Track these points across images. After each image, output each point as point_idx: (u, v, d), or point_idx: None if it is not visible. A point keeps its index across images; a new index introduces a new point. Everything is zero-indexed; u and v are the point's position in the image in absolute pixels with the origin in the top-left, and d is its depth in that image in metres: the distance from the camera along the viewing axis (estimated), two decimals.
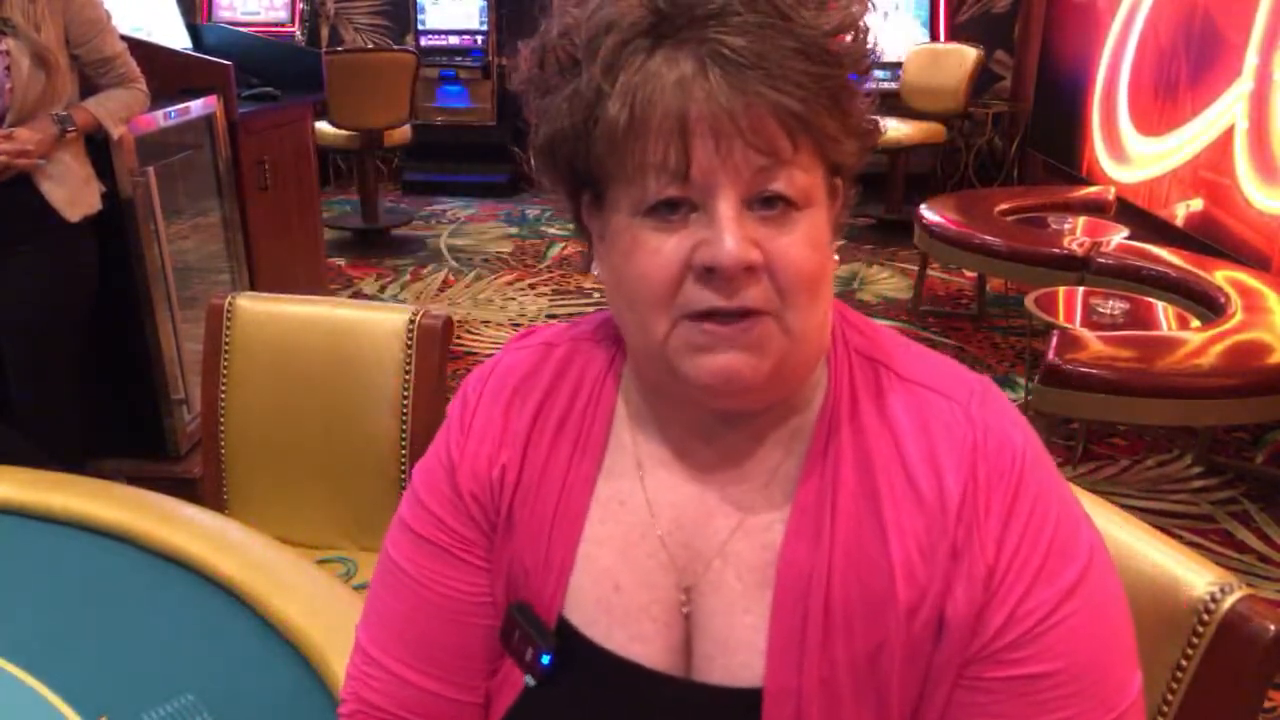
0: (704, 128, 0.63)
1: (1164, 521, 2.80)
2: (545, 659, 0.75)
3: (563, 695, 0.76)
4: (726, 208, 0.65)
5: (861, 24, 0.69)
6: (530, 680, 0.77)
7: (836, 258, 0.73)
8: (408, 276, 4.98)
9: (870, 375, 0.74)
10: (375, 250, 5.39)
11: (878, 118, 0.72)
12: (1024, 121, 6.09)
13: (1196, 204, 3.97)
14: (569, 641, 0.76)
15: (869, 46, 0.69)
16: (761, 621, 0.72)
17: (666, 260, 0.67)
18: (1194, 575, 0.89)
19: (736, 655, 0.72)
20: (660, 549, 0.76)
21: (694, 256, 0.66)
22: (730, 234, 0.64)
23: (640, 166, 0.66)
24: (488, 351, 3.98)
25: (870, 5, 0.70)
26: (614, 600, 0.76)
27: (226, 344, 1.68)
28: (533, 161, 0.74)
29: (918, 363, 0.75)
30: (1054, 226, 3.90)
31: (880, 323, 0.80)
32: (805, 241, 0.67)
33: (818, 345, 0.72)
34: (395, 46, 6.39)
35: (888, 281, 4.87)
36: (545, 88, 0.70)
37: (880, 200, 5.58)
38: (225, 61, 3.11)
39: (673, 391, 0.74)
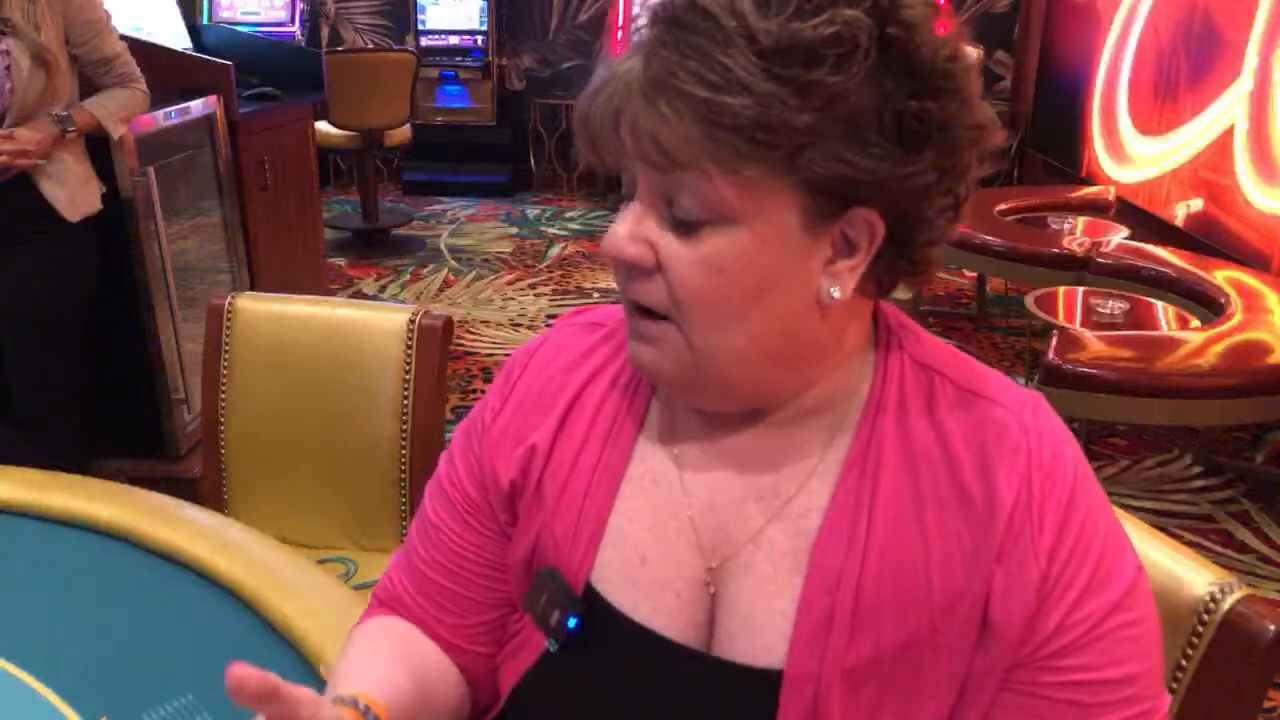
0: (605, 129, 0.67)
1: (1164, 521, 2.80)
2: (571, 622, 0.77)
3: (584, 661, 0.78)
4: (636, 203, 0.69)
5: (820, 50, 0.61)
6: (552, 645, 0.78)
7: (836, 292, 0.67)
8: (408, 276, 4.98)
9: (924, 381, 0.74)
10: (375, 250, 5.39)
11: (912, 156, 0.64)
12: (1024, 121, 6.09)
13: (1196, 204, 3.97)
14: (594, 607, 0.77)
15: (819, 77, 0.61)
16: (790, 607, 0.72)
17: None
18: (1194, 575, 0.89)
19: (760, 637, 0.73)
20: (690, 528, 0.77)
21: None
22: (621, 225, 0.69)
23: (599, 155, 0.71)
24: (488, 352, 3.98)
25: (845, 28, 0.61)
26: (640, 572, 0.77)
27: (226, 344, 1.68)
28: None
29: (972, 372, 0.76)
30: (1054, 226, 3.90)
31: (928, 331, 0.80)
32: (702, 260, 0.66)
33: (747, 366, 0.70)
34: (395, 46, 6.39)
35: None
36: None
37: None
38: (225, 61, 3.11)
39: None
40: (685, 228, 0.66)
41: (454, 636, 0.86)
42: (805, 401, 0.74)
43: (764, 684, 0.71)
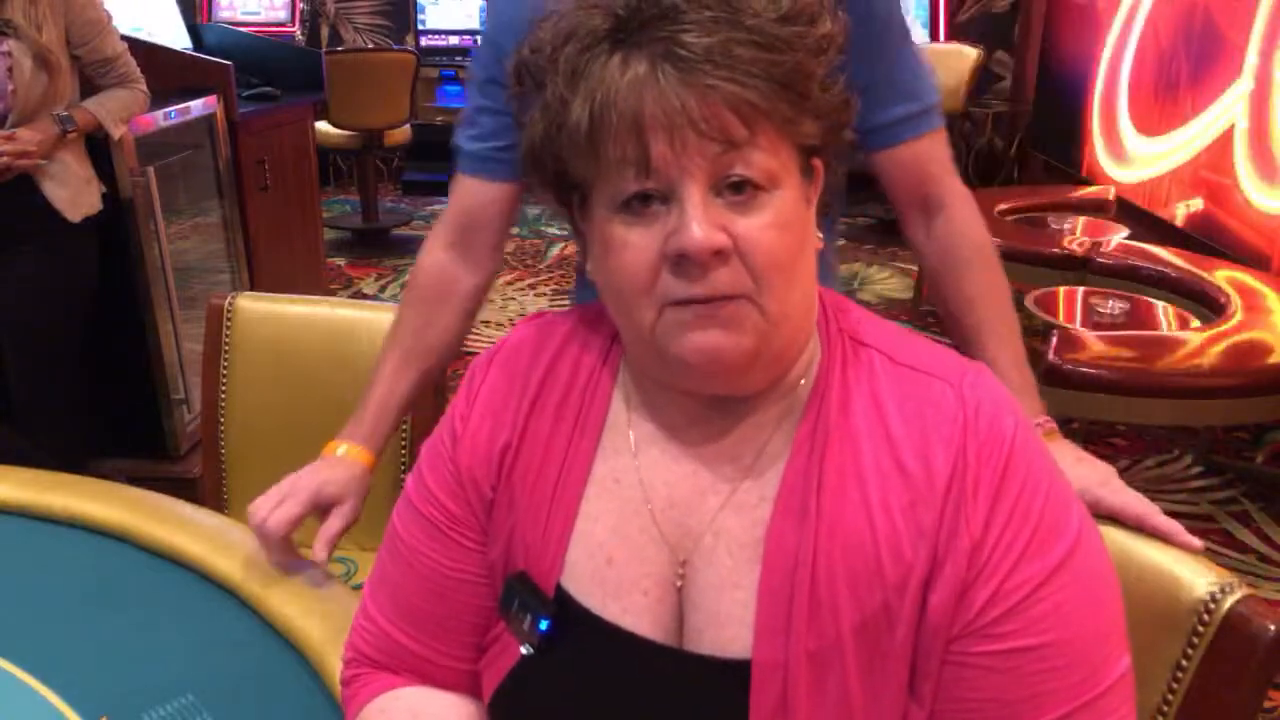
0: (658, 124, 0.67)
1: None
2: (544, 624, 0.77)
3: (558, 663, 0.78)
4: (692, 196, 0.68)
5: (816, 7, 0.71)
6: (527, 649, 0.78)
7: (820, 237, 0.75)
8: (408, 276, 4.97)
9: (863, 359, 0.76)
10: (375, 250, 5.39)
11: (848, 95, 0.74)
12: (1024, 121, 6.09)
13: (1196, 204, 3.96)
14: (566, 609, 0.78)
15: (824, 30, 0.71)
16: (750, 596, 0.73)
17: (641, 252, 0.70)
18: (1194, 575, 0.89)
19: (726, 629, 0.74)
20: (652, 525, 0.78)
21: (666, 246, 0.69)
22: (696, 220, 0.68)
23: (606, 166, 0.70)
24: None
25: None
26: (608, 573, 0.78)
27: (226, 344, 1.68)
28: (523, 170, 0.78)
29: (909, 347, 0.77)
30: (1054, 226, 3.89)
31: (869, 310, 0.82)
32: (774, 223, 0.70)
33: (800, 326, 0.74)
34: (395, 46, 6.39)
35: (888, 281, 4.87)
36: (525, 102, 0.75)
37: (880, 200, 5.56)
38: (225, 61, 3.11)
39: (664, 378, 0.76)
40: (742, 203, 0.69)
41: (457, 663, 0.85)
42: (777, 386, 0.76)
43: (734, 675, 0.72)
